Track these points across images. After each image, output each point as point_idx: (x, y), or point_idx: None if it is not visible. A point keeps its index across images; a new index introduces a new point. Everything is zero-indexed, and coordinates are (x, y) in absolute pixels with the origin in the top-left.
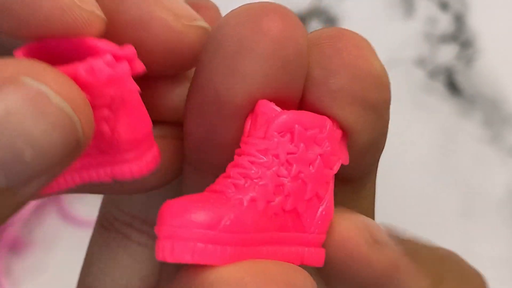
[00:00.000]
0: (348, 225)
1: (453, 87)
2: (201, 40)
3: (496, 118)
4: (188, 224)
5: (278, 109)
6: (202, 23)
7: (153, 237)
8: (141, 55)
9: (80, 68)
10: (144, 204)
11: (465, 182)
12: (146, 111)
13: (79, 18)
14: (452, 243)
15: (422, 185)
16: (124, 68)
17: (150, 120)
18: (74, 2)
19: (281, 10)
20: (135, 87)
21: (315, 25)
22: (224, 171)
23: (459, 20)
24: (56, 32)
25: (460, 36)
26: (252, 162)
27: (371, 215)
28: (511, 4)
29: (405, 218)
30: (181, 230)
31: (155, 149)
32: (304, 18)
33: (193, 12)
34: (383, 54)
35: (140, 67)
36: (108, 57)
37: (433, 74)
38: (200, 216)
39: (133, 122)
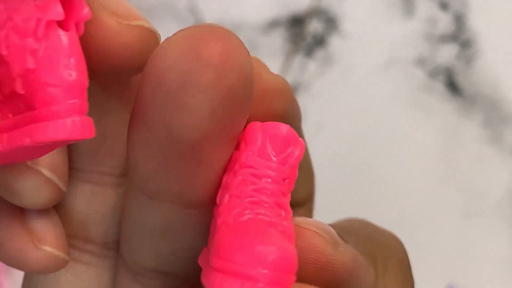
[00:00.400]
0: (312, 233)
1: (453, 87)
2: (141, 41)
3: (496, 118)
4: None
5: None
6: (143, 22)
7: (97, 255)
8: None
9: None
10: (82, 222)
11: (465, 182)
12: (83, 59)
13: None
14: (452, 242)
15: (422, 185)
16: None
17: (87, 74)
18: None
19: (221, 36)
20: (71, 28)
21: (315, 25)
22: (184, 199)
23: (459, 20)
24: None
25: (460, 36)
26: (282, 193)
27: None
28: (511, 4)
29: (405, 218)
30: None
31: (88, 119)
32: (304, 18)
33: (134, 12)
34: (383, 54)
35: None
36: None
37: (433, 74)
38: (283, 253)
39: (59, 67)
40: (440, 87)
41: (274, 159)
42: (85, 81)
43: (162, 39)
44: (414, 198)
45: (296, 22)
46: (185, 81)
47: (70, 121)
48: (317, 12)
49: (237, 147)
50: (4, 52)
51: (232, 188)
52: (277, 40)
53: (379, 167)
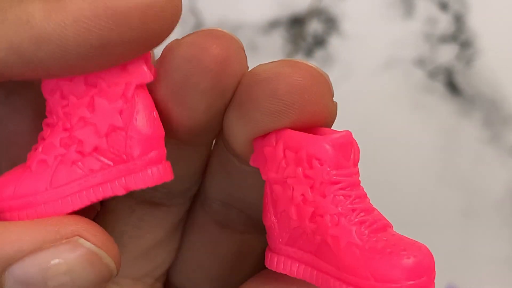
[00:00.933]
0: None
1: (453, 87)
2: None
3: (496, 118)
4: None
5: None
6: None
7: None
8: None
9: None
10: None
11: (465, 182)
12: (158, 117)
13: (162, 1)
14: (452, 242)
15: (422, 185)
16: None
17: (163, 128)
18: None
19: (221, 43)
20: (145, 86)
21: (315, 25)
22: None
23: (459, 20)
24: (155, 27)
25: (460, 36)
26: (362, 188)
27: None
28: (511, 4)
29: (405, 218)
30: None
31: (168, 163)
32: (304, 18)
33: None
34: (383, 54)
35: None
36: None
37: (433, 74)
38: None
39: (147, 122)
40: (440, 87)
41: (349, 165)
42: (163, 136)
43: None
44: (413, 198)
45: (296, 22)
46: (187, 82)
47: (162, 167)
48: (317, 12)
49: (305, 164)
50: (88, 115)
51: (327, 207)
52: (277, 41)
53: (379, 167)
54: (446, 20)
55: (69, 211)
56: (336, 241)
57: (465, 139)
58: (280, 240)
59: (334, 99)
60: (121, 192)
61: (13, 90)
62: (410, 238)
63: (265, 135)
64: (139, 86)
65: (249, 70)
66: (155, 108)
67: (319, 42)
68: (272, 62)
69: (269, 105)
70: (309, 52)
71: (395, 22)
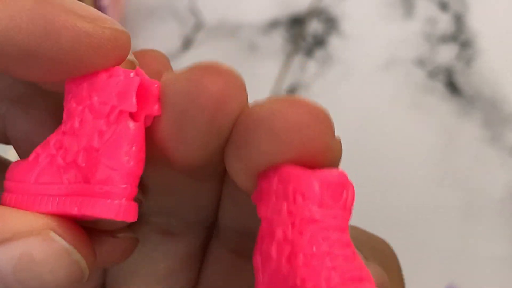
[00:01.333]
0: None
1: (453, 87)
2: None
3: (496, 118)
4: None
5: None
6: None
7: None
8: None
9: (103, 72)
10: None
11: (465, 182)
12: (143, 149)
13: (104, 36)
14: (452, 242)
15: (422, 184)
16: (135, 80)
17: (143, 168)
18: (95, 23)
19: (219, 81)
20: (140, 120)
21: (315, 25)
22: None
23: (459, 20)
24: (86, 57)
25: (460, 36)
26: (348, 236)
27: None
28: (511, 4)
29: (405, 218)
30: None
31: (133, 204)
32: (304, 18)
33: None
34: (383, 54)
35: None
36: (133, 71)
37: (433, 74)
38: None
39: (120, 153)
40: (440, 87)
41: (336, 207)
42: (140, 170)
43: (163, 39)
44: (413, 198)
45: (296, 22)
46: (183, 119)
47: (117, 204)
48: (317, 12)
49: (290, 199)
50: (77, 125)
51: (302, 246)
52: (277, 40)
53: (379, 167)
54: (446, 20)
55: (34, 210)
56: (303, 284)
57: (465, 139)
58: (262, 282)
59: (334, 98)
60: (73, 211)
61: (32, 105)
62: None
63: (266, 171)
64: (125, 113)
65: (246, 108)
66: (139, 144)
67: (319, 42)
68: (268, 99)
69: (266, 144)
70: (309, 52)
71: (395, 22)
